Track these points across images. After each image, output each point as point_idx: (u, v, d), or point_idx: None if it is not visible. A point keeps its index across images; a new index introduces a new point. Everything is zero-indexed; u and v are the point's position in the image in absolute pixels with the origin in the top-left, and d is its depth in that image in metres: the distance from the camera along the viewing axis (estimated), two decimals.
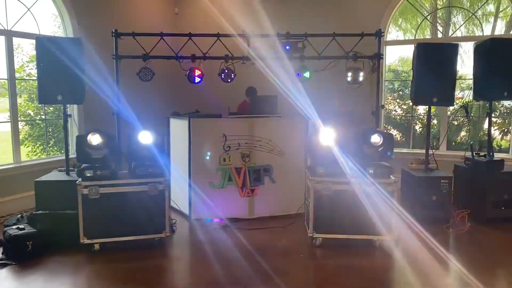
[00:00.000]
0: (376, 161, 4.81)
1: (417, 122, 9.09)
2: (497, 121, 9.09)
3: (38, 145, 8.24)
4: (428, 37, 8.90)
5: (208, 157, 5.59)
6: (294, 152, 5.89)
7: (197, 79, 5.77)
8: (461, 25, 8.09)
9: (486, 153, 5.81)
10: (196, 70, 5.70)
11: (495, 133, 9.10)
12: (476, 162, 5.65)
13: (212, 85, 6.34)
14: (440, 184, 5.50)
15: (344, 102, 7.60)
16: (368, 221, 4.65)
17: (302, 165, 5.89)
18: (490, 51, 5.49)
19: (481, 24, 7.96)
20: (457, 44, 5.56)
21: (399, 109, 9.35)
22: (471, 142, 5.79)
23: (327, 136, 4.79)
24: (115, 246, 4.68)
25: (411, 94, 5.74)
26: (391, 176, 4.75)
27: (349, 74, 5.69)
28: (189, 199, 5.75)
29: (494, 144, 8.41)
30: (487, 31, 9.19)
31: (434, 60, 5.48)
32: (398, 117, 9.26)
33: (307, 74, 5.78)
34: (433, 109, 5.92)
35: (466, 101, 6.22)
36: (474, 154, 5.73)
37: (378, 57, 5.65)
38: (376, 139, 4.74)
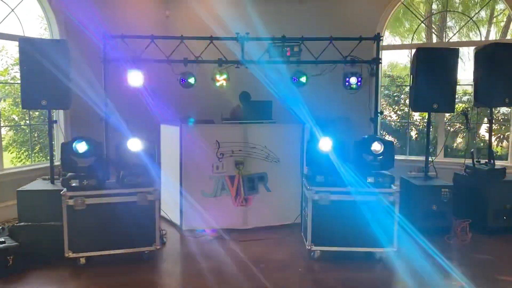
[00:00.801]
0: (377, 170, 4.62)
1: (413, 128, 8.94)
2: (493, 128, 8.98)
3: (23, 151, 7.97)
4: (422, 41, 8.79)
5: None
6: (289, 159, 5.67)
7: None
8: (459, 29, 7.97)
9: (486, 161, 5.66)
10: None
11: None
12: (477, 171, 5.49)
13: (205, 90, 6.12)
14: (440, 193, 5.32)
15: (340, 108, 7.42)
16: (369, 232, 4.47)
17: (298, 172, 5.68)
18: (492, 56, 5.34)
19: (478, 28, 7.85)
20: (457, 48, 5.43)
21: (394, 115, 9.20)
22: (472, 150, 5.63)
23: (326, 144, 4.59)
24: (102, 260, 4.42)
25: (410, 100, 5.58)
26: (392, 185, 4.56)
27: (347, 79, 5.50)
28: (180, 209, 5.51)
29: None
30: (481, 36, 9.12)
31: (434, 65, 5.33)
32: (393, 123, 9.11)
33: (303, 79, 5.58)
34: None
35: (465, 107, 6.07)
36: (475, 162, 5.56)
37: (377, 61, 5.48)
38: (376, 147, 4.55)
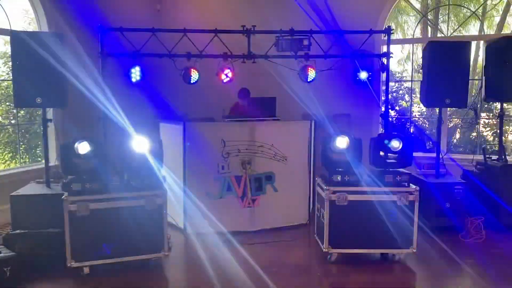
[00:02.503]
0: (395, 168, 4.44)
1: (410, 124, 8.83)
2: (489, 122, 8.97)
3: (6, 152, 7.56)
4: (419, 36, 8.69)
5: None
6: (297, 157, 5.46)
7: (194, 79, 5.24)
8: (463, 22, 7.87)
9: (497, 156, 5.55)
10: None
11: (488, 134, 8.99)
12: (490, 166, 5.38)
13: (208, 86, 5.82)
14: (454, 190, 5.19)
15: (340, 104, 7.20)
16: (387, 233, 4.29)
17: (306, 171, 5.49)
18: (504, 50, 5.22)
19: (482, 22, 7.76)
20: (470, 41, 5.28)
21: (392, 110, 9.08)
22: (483, 146, 5.51)
23: (342, 141, 4.38)
24: (108, 269, 4.11)
25: (421, 95, 5.42)
26: (411, 184, 4.39)
27: (357, 73, 5.30)
28: (184, 211, 5.23)
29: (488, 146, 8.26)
30: (474, 31, 9.12)
31: (446, 59, 5.17)
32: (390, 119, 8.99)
33: (312, 74, 5.35)
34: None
35: (474, 102, 5.97)
36: (486, 158, 5.45)
37: (388, 55, 5.30)
38: (395, 143, 4.36)
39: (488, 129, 8.99)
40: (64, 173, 4.21)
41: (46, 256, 4.11)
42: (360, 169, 4.42)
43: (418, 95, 9.47)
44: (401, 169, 4.47)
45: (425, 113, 9.22)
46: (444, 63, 5.15)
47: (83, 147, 4.04)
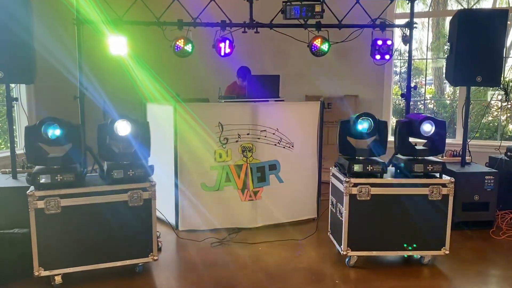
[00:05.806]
0: (425, 156, 3.78)
1: (422, 106, 8.18)
2: (503, 106, 8.33)
3: None
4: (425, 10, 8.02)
5: None
6: (305, 143, 4.80)
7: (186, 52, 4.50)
8: None
9: None
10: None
11: (501, 118, 8.37)
12: None
13: (203, 61, 5.10)
14: (484, 181, 4.56)
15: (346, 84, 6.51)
16: (416, 233, 3.66)
17: (315, 159, 4.83)
18: None
19: None
20: (507, 10, 4.60)
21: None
22: None
23: (363, 125, 3.70)
24: (84, 277, 3.44)
25: (448, 73, 4.74)
26: (444, 175, 3.73)
27: (377, 47, 4.60)
28: (176, 205, 4.55)
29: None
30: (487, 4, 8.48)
31: (478, 31, 4.49)
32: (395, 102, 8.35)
33: (325, 47, 4.63)
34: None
35: (505, 81, 5.34)
36: None
37: (411, 25, 4.60)
38: (427, 128, 3.69)
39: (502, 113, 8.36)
40: (29, 162, 3.49)
41: (11, 262, 3.41)
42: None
43: (430, 76, 8.86)
44: (432, 158, 3.81)
45: (436, 95, 8.61)
46: (476, 35, 4.47)
47: (52, 131, 3.32)
